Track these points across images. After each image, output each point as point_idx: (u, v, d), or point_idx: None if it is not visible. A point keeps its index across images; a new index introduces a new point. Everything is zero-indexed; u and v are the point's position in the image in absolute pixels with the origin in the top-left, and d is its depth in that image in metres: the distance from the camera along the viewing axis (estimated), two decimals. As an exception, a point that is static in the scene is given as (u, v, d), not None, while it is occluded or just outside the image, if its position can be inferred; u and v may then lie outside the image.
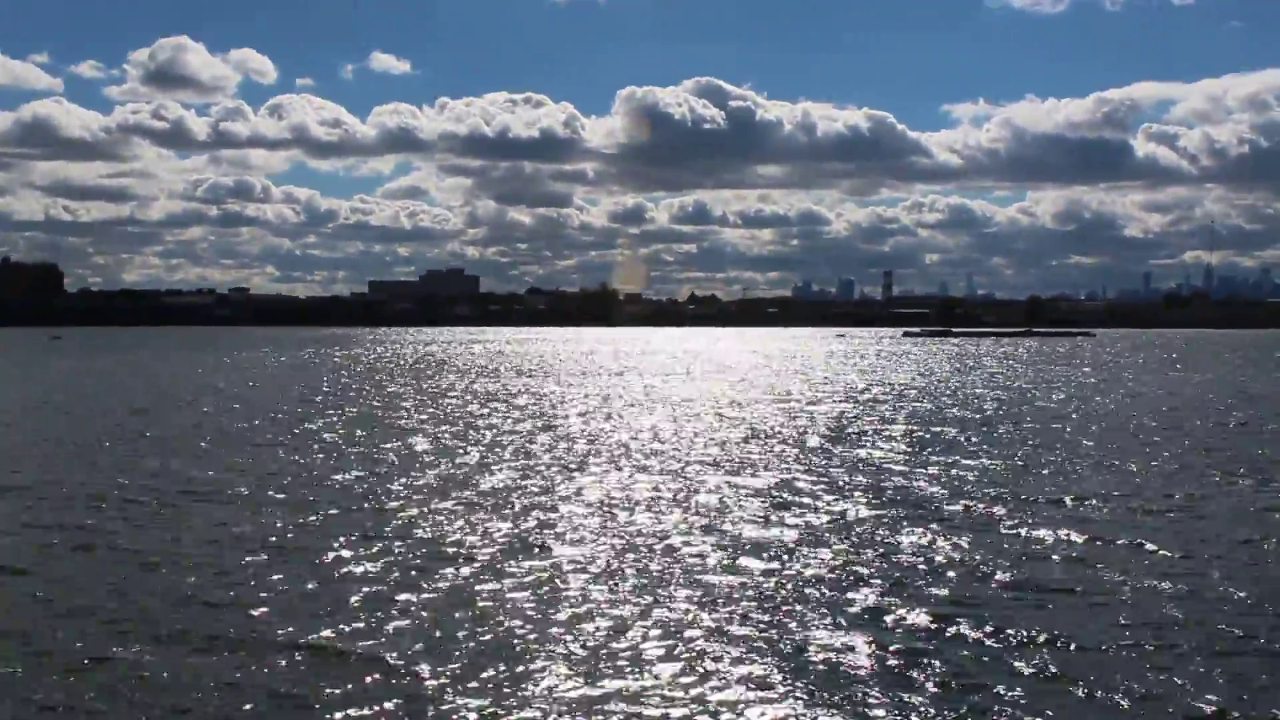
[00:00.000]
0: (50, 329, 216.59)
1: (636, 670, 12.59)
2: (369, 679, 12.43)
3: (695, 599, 15.52)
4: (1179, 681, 12.39)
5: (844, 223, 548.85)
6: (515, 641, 13.64)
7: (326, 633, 14.06)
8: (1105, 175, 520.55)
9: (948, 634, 13.99)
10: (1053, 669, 12.76)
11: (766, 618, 14.67)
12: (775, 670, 12.64)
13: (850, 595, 15.76)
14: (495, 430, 37.99)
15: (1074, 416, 43.68)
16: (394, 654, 13.24)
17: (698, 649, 13.32)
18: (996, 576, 16.85)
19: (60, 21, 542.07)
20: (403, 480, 26.41)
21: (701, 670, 12.59)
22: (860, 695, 11.95)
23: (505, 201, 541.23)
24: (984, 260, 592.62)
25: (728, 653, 13.19)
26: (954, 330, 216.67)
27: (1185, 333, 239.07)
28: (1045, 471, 27.98)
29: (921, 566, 17.49)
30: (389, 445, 33.54)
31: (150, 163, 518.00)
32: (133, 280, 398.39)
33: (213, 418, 42.69)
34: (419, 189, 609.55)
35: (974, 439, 35.18)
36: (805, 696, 11.84)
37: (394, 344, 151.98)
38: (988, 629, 14.20)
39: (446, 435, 36.47)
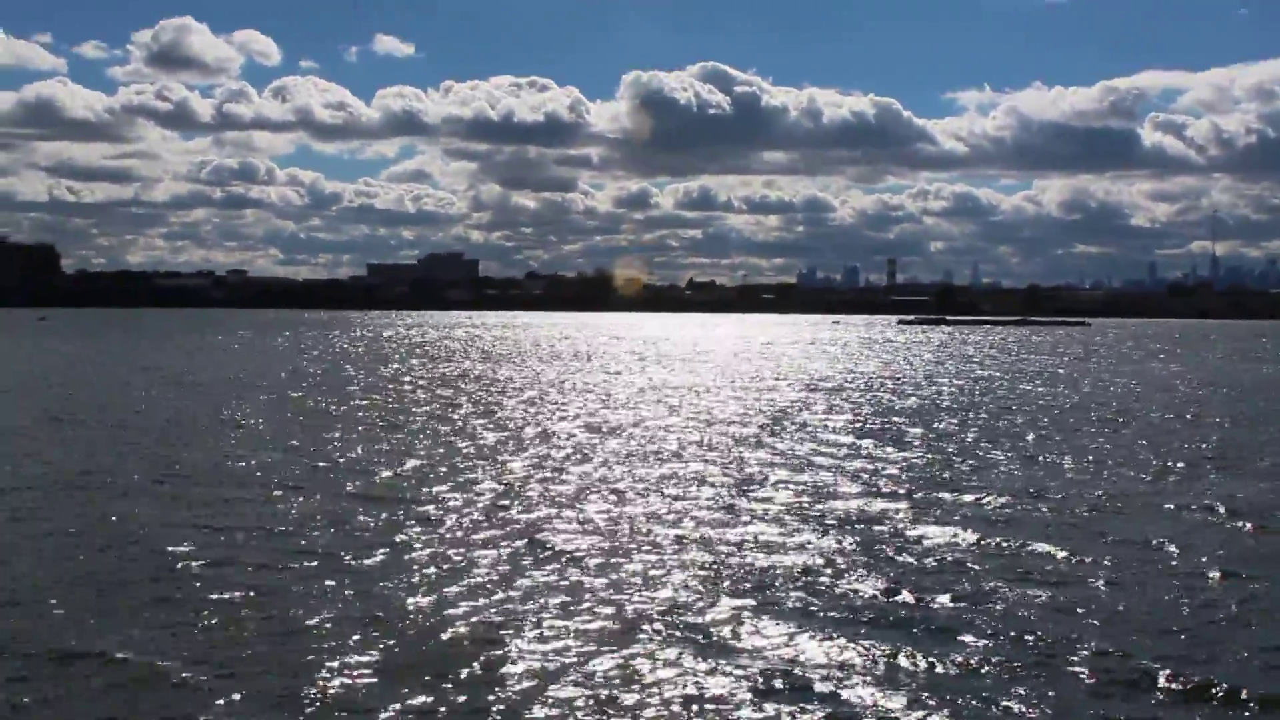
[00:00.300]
0: (40, 310, 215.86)
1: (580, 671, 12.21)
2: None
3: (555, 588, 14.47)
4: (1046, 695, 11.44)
5: (849, 210, 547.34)
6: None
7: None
8: (1112, 164, 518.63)
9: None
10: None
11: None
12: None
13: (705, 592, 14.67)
14: (408, 416, 36.94)
15: (1028, 408, 42.51)
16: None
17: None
18: (853, 575, 15.91)
19: (63, 1, 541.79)
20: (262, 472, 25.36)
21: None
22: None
23: (510, 186, 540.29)
24: (989, 249, 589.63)
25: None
26: (949, 319, 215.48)
27: (1186, 323, 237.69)
28: (964, 465, 26.94)
29: (782, 564, 16.53)
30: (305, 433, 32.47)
31: (154, 144, 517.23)
32: (137, 262, 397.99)
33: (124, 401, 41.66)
34: (423, 172, 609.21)
35: (908, 430, 34.16)
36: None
37: (374, 328, 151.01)
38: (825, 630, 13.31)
39: (363, 423, 35.38)
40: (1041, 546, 17.82)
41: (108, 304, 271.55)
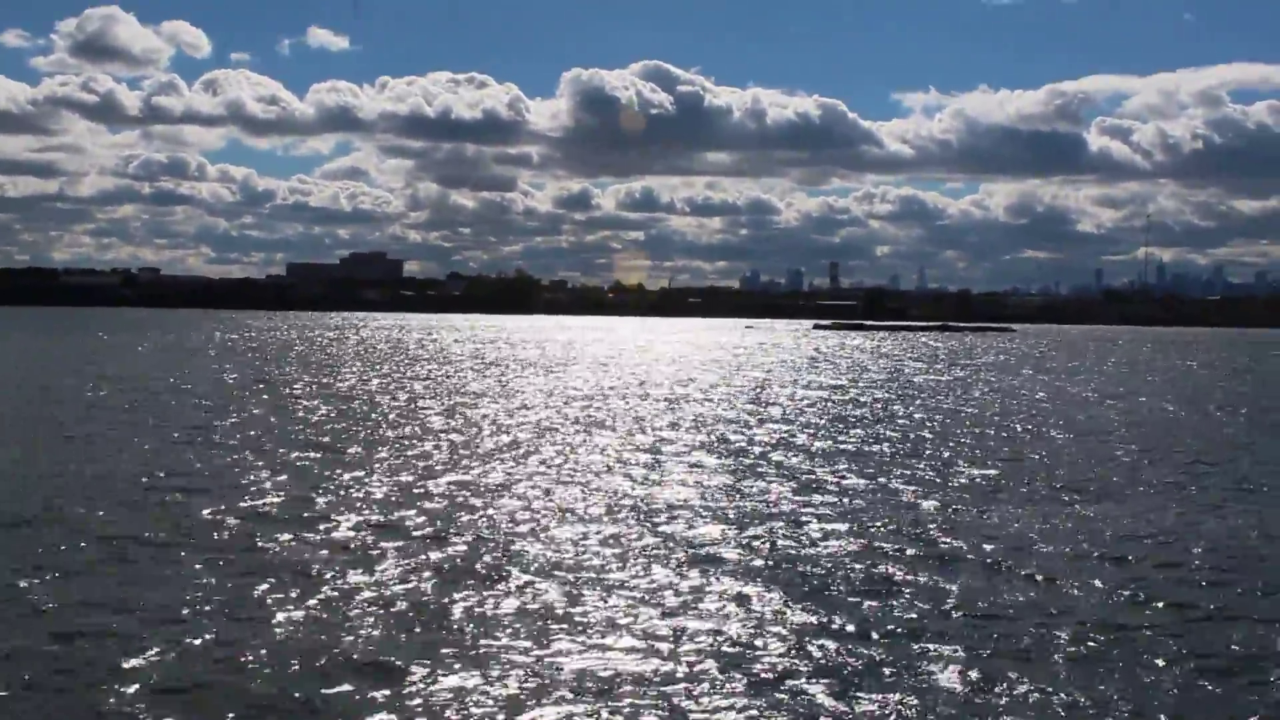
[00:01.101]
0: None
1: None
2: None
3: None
4: None
5: (794, 212, 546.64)
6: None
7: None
8: (1058, 169, 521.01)
9: None
10: None
11: None
12: None
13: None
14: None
15: (828, 418, 39.00)
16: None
17: None
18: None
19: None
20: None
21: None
22: None
23: (447, 184, 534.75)
24: (935, 253, 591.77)
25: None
26: (867, 324, 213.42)
27: (1117, 329, 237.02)
28: (709, 480, 24.39)
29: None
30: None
31: (79, 137, 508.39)
32: (62, 260, 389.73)
33: None
34: (358, 170, 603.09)
35: (689, 442, 31.35)
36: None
37: (264, 329, 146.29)
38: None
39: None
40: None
41: (18, 302, 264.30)
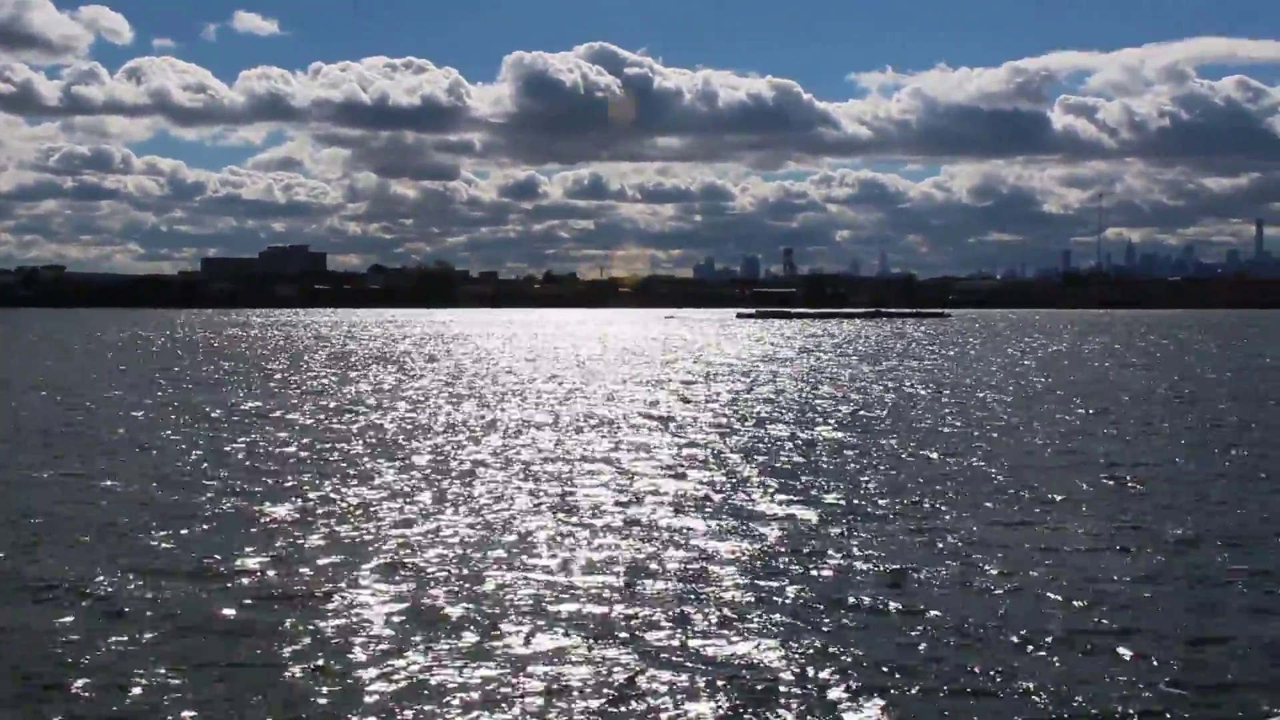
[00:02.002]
0: None
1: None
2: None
3: None
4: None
5: (749, 198, 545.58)
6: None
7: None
8: (1022, 148, 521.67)
9: None
10: None
11: None
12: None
13: None
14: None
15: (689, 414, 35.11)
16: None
17: None
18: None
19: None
20: None
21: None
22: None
23: (387, 174, 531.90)
24: (897, 238, 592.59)
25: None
26: (792, 312, 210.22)
27: (1065, 313, 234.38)
28: (499, 477, 23.75)
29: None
30: None
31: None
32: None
33: None
34: (293, 160, 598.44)
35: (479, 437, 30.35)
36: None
37: (155, 327, 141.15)
38: None
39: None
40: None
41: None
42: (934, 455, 27.10)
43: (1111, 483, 23.19)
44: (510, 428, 33.03)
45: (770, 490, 21.98)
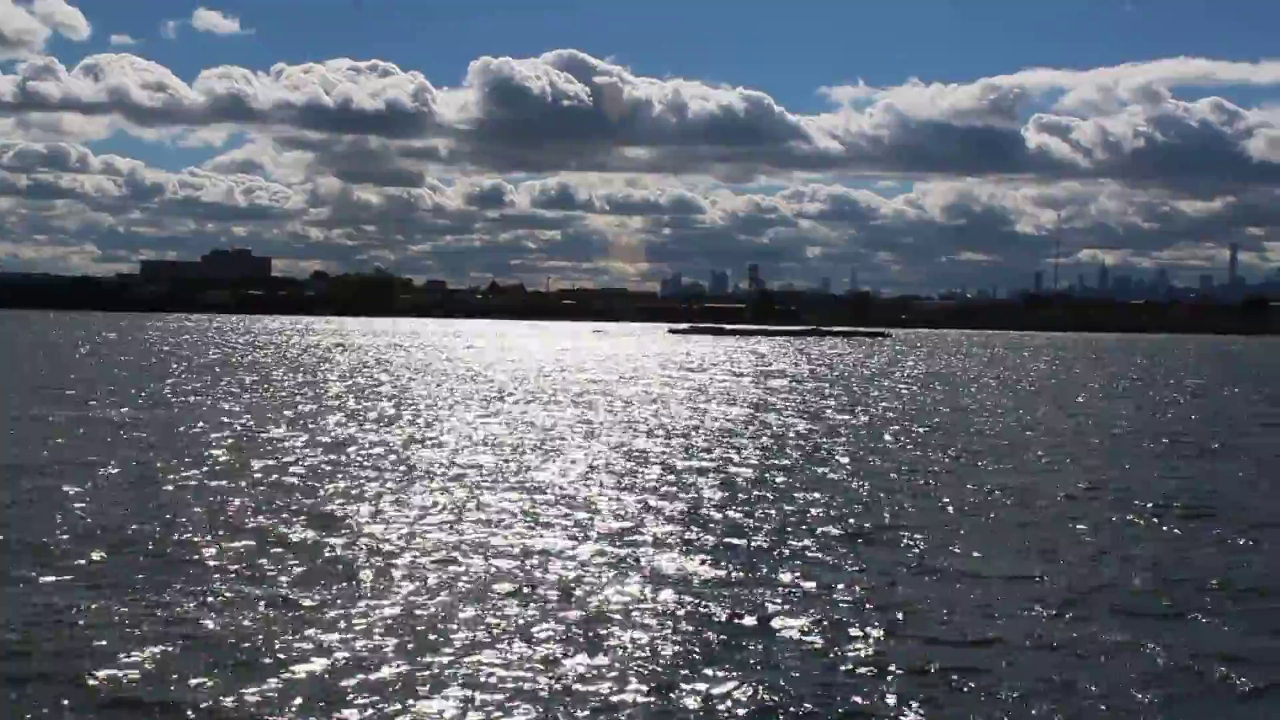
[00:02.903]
0: None
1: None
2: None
3: None
4: None
5: (719, 211, 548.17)
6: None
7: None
8: (995, 166, 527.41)
9: None
10: None
11: None
12: None
13: None
14: None
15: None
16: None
17: None
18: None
19: None
20: None
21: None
22: None
23: (350, 179, 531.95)
24: (869, 255, 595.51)
25: None
26: (725, 328, 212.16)
27: (1022, 336, 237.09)
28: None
29: None
30: None
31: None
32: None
33: None
34: (254, 162, 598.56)
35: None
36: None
37: (50, 333, 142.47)
38: None
39: None
40: None
41: None
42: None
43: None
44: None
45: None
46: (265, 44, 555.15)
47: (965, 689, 13.62)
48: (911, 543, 21.49)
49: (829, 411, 50.50)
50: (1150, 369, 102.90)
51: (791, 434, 40.56)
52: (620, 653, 14.58)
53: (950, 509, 25.29)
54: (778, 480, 29.13)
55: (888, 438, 39.83)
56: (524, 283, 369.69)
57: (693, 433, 40.04)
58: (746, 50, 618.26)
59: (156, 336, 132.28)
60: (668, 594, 17.40)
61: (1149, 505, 26.37)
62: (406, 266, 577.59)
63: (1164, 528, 23.98)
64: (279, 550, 19.71)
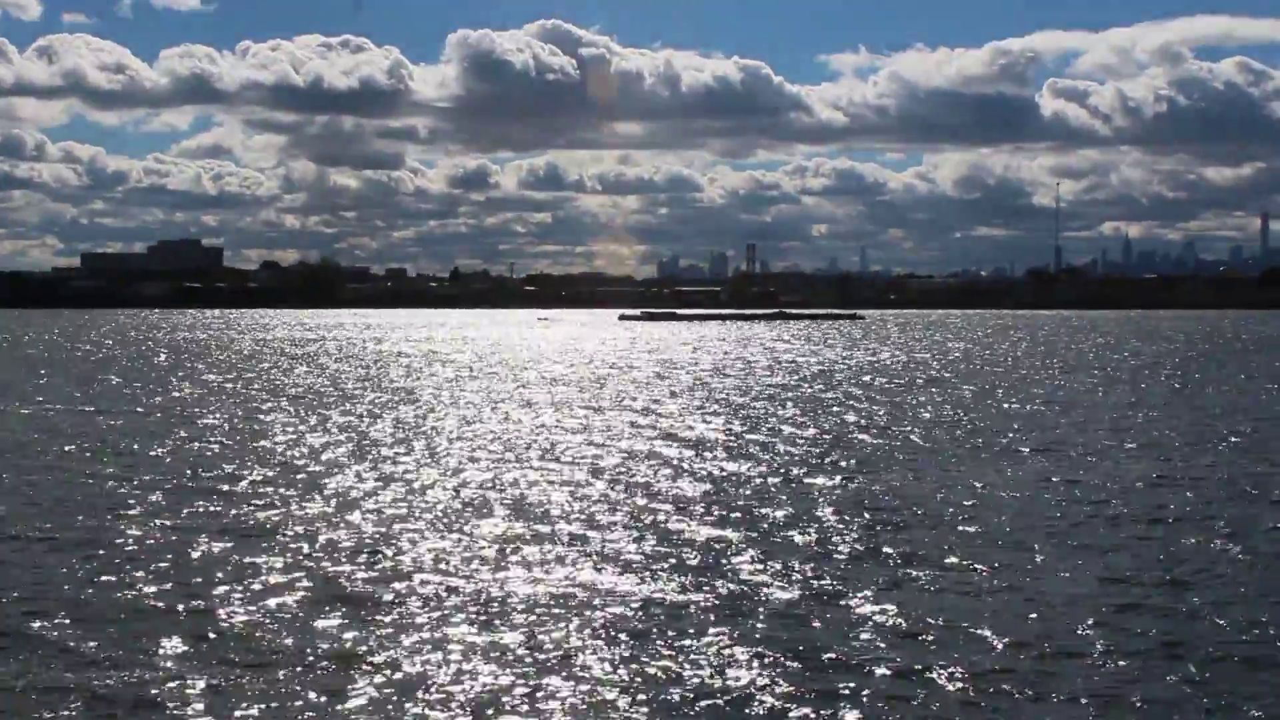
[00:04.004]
0: None
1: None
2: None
3: None
4: None
5: (718, 189, 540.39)
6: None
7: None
8: (1009, 136, 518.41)
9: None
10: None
11: None
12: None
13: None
14: None
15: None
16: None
17: None
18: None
19: None
20: None
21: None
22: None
23: (325, 162, 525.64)
24: (878, 233, 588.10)
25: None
26: (679, 313, 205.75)
27: (1023, 314, 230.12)
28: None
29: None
30: None
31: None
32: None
33: None
34: (222, 147, 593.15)
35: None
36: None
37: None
38: None
39: None
40: None
41: None
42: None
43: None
44: None
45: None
46: (228, 20, 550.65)
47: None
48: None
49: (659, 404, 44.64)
50: (1109, 349, 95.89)
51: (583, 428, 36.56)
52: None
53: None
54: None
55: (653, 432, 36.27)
56: (513, 268, 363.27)
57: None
58: (739, 17, 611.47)
59: (62, 335, 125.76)
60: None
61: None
62: (389, 254, 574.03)
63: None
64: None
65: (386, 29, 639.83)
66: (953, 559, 18.91)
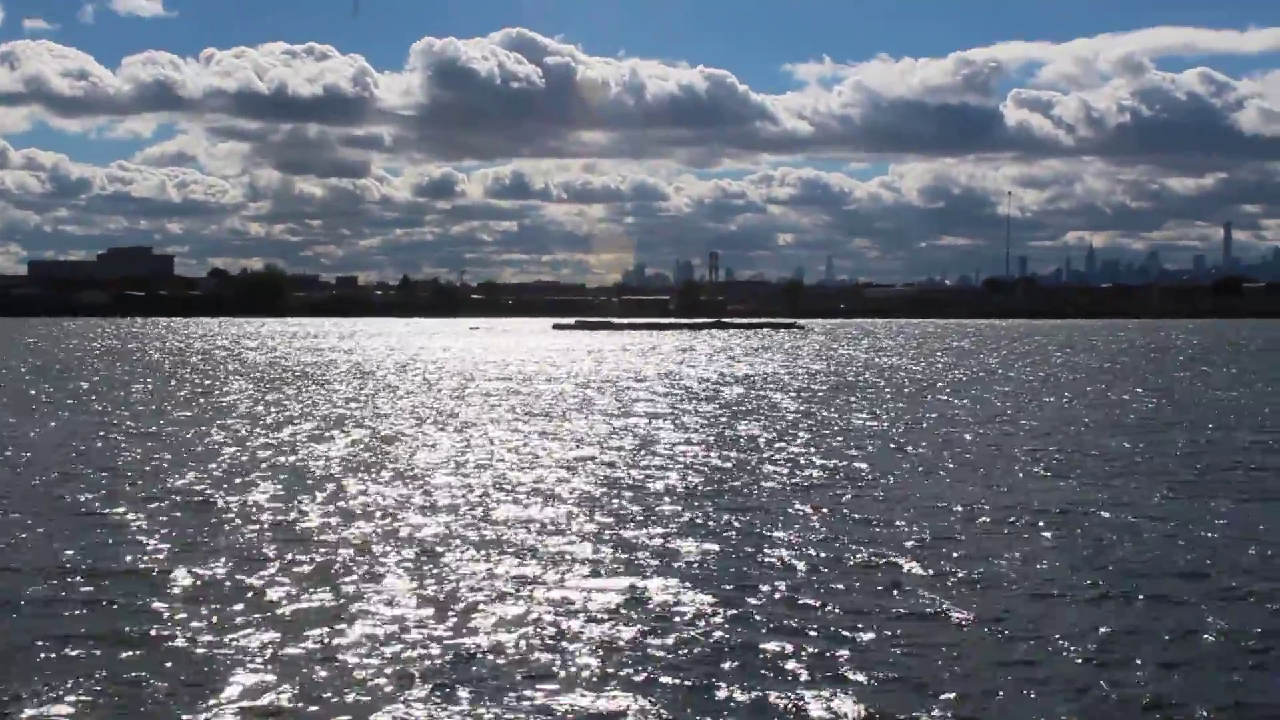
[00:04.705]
0: None
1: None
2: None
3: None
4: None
5: (684, 198, 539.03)
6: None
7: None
8: (973, 146, 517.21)
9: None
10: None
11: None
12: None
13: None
14: None
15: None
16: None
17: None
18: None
19: None
20: None
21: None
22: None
23: (290, 170, 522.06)
24: (844, 242, 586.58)
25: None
26: (614, 322, 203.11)
27: (961, 324, 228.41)
28: None
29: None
30: None
31: None
32: None
33: None
34: (186, 155, 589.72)
35: None
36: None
37: None
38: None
39: None
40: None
41: None
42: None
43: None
44: None
45: None
46: (192, 27, 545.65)
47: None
48: None
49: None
50: (1026, 357, 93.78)
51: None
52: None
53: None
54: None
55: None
56: (478, 277, 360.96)
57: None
58: (702, 27, 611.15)
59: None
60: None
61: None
62: (356, 262, 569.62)
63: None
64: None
65: (351, 37, 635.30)
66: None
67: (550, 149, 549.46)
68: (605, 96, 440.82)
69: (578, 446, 34.64)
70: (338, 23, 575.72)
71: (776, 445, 35.25)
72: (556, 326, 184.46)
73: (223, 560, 19.70)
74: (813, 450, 33.83)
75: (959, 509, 24.38)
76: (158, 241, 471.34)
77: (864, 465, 30.85)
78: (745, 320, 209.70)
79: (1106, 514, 23.81)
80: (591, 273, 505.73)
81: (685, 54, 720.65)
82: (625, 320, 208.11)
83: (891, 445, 35.39)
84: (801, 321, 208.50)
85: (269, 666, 14.33)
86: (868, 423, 42.32)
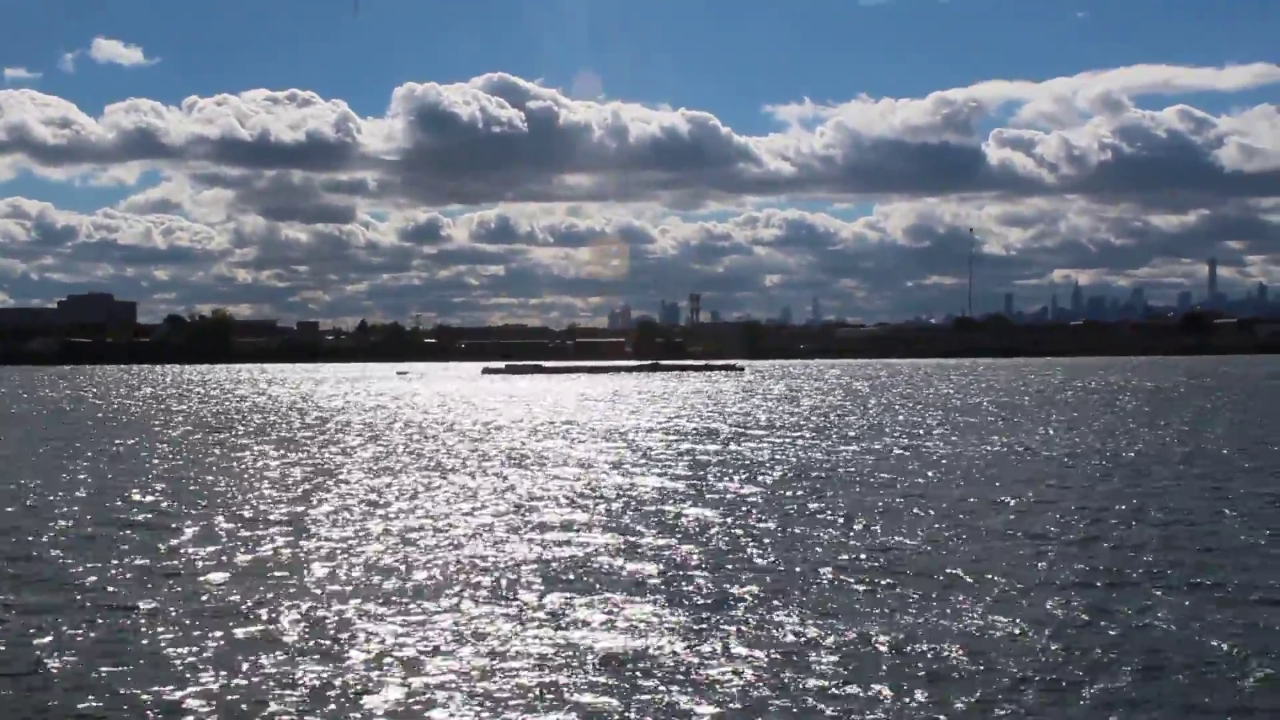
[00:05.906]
0: None
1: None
2: None
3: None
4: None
5: (670, 240, 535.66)
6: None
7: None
8: (956, 185, 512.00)
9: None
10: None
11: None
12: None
13: None
14: None
15: None
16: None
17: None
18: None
19: None
20: None
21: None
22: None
23: (275, 217, 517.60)
24: (831, 282, 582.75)
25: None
26: (545, 365, 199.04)
27: (940, 363, 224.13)
28: None
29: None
30: None
31: None
32: None
33: None
34: (171, 202, 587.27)
35: None
36: None
37: None
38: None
39: None
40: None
41: None
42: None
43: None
44: None
45: None
46: (173, 74, 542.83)
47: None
48: None
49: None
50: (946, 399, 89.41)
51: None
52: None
53: None
54: None
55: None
56: (467, 321, 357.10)
57: None
58: (683, 70, 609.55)
59: None
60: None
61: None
62: (343, 308, 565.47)
63: None
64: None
65: (332, 82, 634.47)
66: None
67: (535, 192, 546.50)
68: (588, 140, 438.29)
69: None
70: (319, 69, 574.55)
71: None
72: (486, 371, 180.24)
73: None
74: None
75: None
76: (145, 289, 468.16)
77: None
78: (682, 363, 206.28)
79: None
80: (579, 315, 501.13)
81: (667, 97, 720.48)
82: (555, 364, 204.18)
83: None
84: (741, 363, 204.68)
85: None
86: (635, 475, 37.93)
